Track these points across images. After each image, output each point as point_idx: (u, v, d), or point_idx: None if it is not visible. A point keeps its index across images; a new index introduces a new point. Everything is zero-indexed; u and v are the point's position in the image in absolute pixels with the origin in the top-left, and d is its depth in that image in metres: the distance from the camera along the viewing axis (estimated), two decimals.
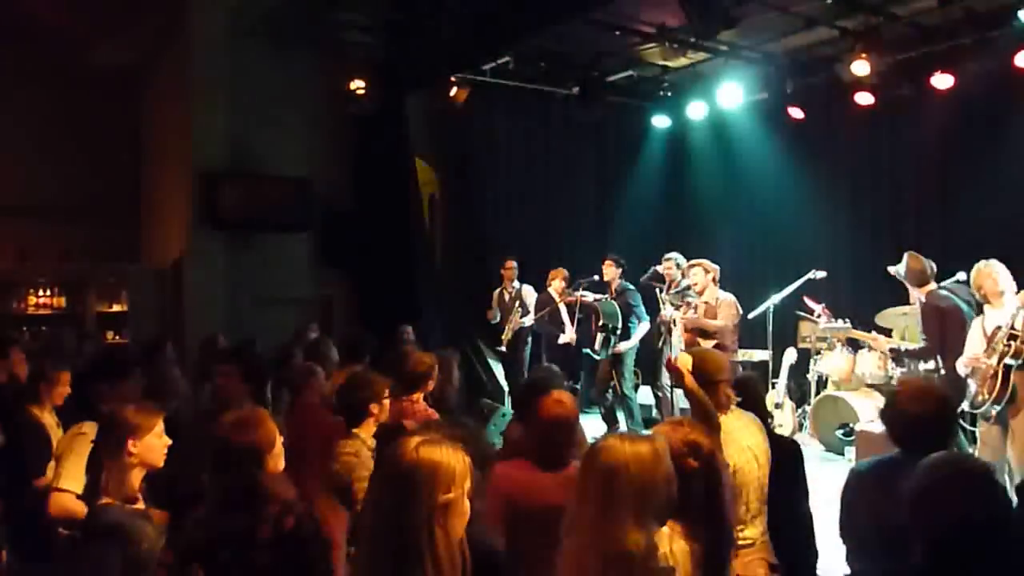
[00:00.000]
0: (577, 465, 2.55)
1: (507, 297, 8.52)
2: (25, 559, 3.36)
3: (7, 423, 3.97)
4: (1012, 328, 4.80)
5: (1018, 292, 5.03)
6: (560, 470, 2.87)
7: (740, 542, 2.90)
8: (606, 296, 7.66)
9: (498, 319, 8.52)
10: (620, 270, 7.63)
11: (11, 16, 7.80)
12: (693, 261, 7.02)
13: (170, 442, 2.98)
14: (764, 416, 3.54)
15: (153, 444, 2.91)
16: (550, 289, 8.15)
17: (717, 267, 6.96)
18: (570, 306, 7.95)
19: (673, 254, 7.54)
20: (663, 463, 1.99)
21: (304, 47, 8.55)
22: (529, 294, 8.45)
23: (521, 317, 8.31)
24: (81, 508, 2.87)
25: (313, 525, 2.38)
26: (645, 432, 2.75)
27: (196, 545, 2.44)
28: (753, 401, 3.47)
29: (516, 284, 8.53)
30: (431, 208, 9.97)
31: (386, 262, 8.68)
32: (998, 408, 4.84)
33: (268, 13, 8.36)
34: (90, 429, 3.43)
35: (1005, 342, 4.80)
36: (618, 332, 7.37)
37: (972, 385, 5.03)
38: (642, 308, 7.58)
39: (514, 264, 8.56)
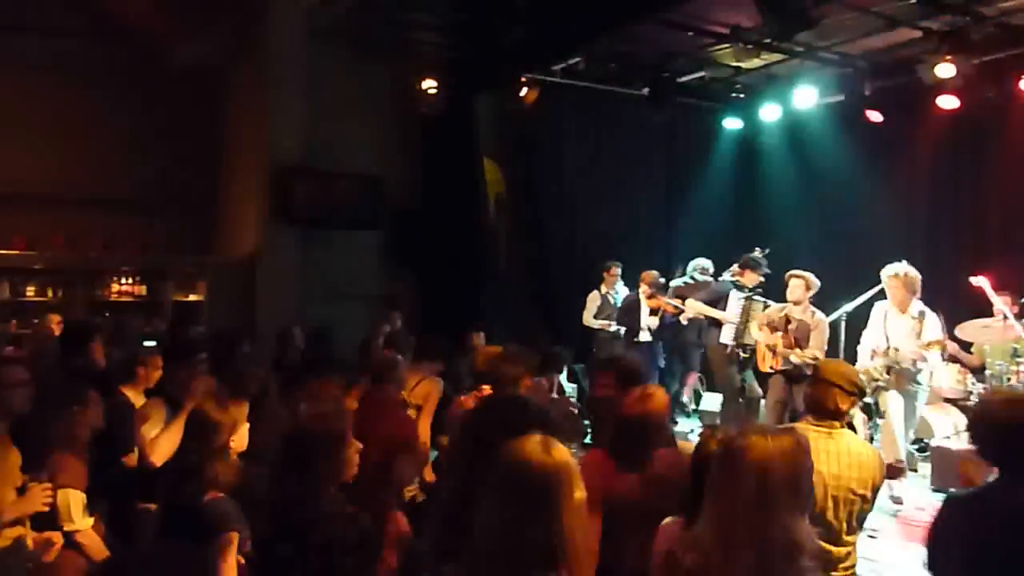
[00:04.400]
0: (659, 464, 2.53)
1: (610, 300, 8.53)
2: (115, 535, 3.49)
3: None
4: None
5: None
6: (638, 469, 2.76)
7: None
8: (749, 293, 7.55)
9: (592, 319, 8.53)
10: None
11: (102, 16, 8.15)
12: (794, 273, 6.68)
13: (248, 424, 3.24)
14: None
15: (244, 432, 3.21)
16: (638, 290, 8.20)
17: (818, 283, 6.64)
18: (653, 309, 8.03)
19: (699, 260, 7.90)
20: (806, 455, 1.96)
21: (377, 47, 8.69)
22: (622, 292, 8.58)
23: (606, 319, 8.39)
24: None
25: (357, 535, 2.37)
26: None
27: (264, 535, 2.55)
28: None
29: (616, 289, 8.55)
30: (498, 208, 10.01)
31: (452, 261, 8.76)
32: None
33: (343, 14, 8.52)
34: (151, 406, 3.93)
35: None
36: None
37: None
38: None
39: (617, 271, 8.59)
